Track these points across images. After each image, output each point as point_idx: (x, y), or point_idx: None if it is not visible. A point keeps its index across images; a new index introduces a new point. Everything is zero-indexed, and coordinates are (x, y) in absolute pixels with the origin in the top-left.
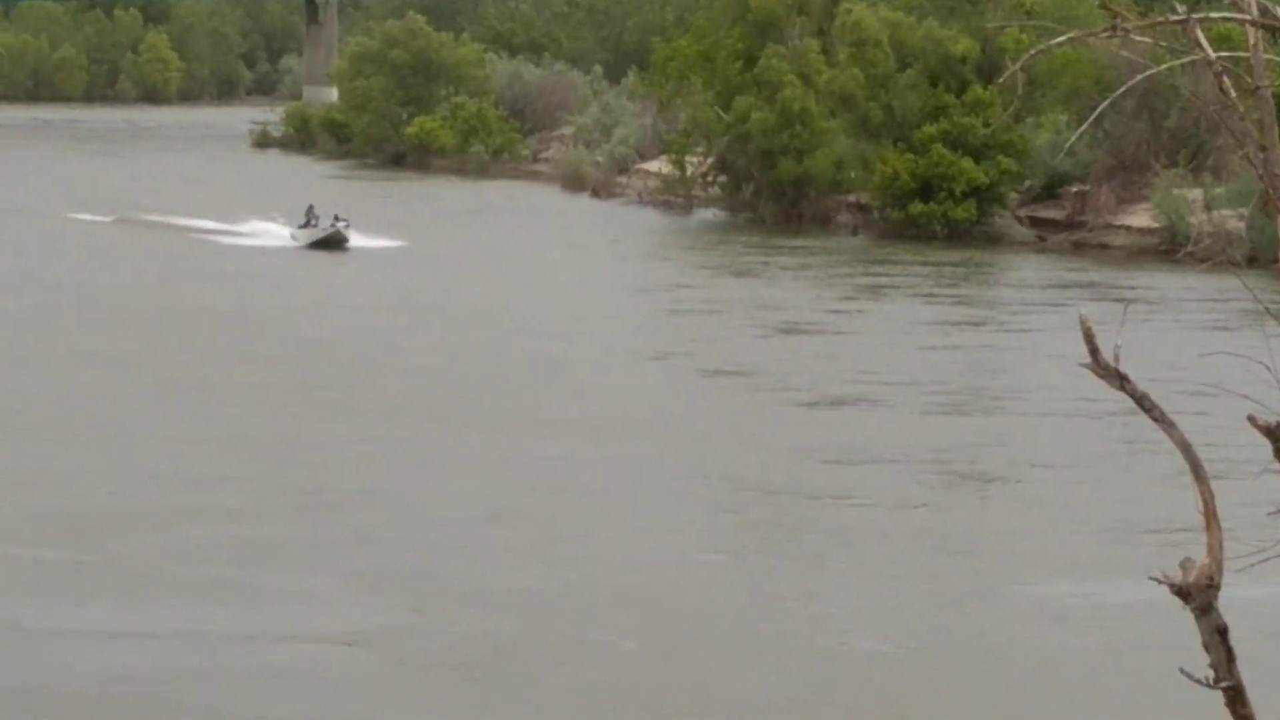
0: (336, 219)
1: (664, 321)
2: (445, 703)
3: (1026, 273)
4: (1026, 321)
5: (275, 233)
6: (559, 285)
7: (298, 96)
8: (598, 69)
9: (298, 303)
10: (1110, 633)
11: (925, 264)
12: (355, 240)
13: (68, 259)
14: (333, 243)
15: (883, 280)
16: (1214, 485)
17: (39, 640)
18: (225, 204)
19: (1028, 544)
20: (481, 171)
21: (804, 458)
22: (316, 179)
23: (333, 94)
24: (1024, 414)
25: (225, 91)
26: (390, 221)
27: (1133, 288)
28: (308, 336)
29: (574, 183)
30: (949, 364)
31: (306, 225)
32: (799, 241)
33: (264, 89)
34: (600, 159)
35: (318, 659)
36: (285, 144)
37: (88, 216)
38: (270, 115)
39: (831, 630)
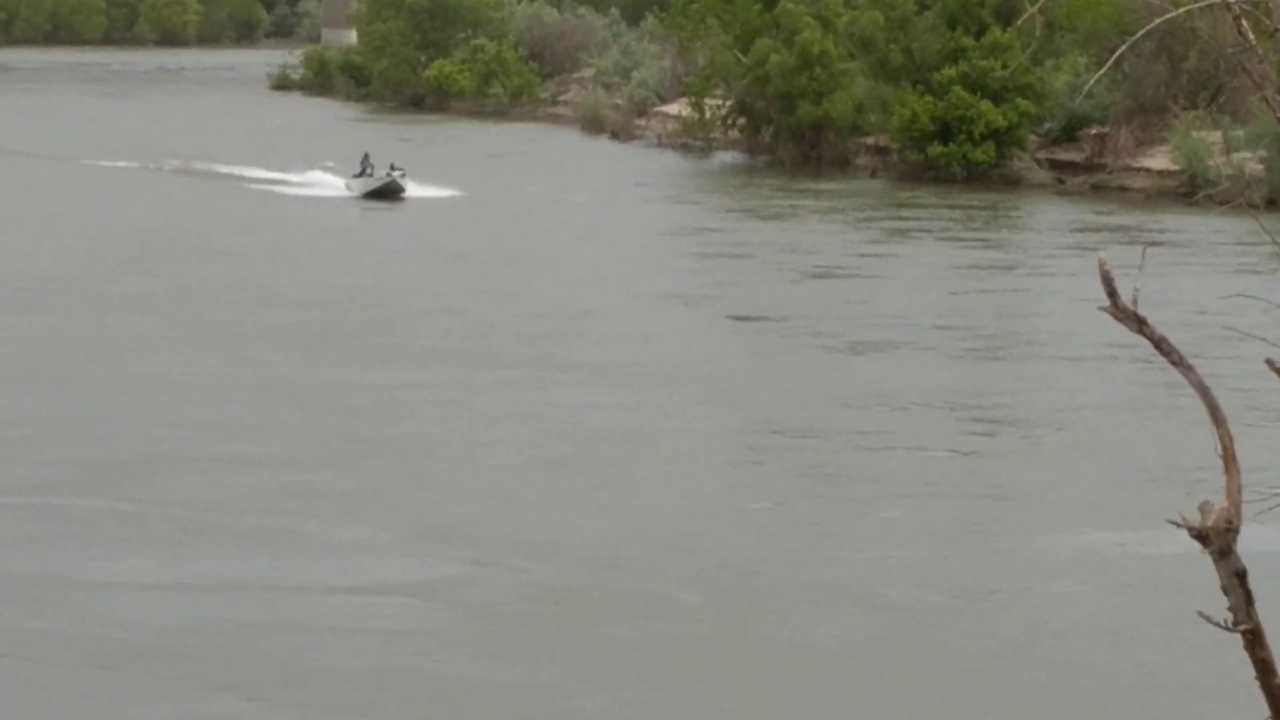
0: (393, 168)
1: (695, 265)
2: (513, 655)
3: (1048, 215)
4: (1053, 265)
5: (329, 182)
6: (591, 229)
7: (316, 40)
8: (616, 11)
9: (344, 252)
10: (1148, 579)
11: (950, 206)
12: (411, 190)
13: (122, 206)
14: (389, 193)
15: (909, 224)
16: (1233, 428)
17: (95, 592)
18: (263, 150)
19: (1067, 491)
20: (500, 114)
21: (839, 403)
22: (337, 121)
23: (351, 37)
24: (1054, 358)
25: (244, 34)
26: (440, 169)
27: (1153, 230)
28: (347, 284)
29: (593, 125)
30: (978, 308)
31: (361, 174)
32: (819, 184)
33: (283, 32)
34: (619, 102)
35: (379, 610)
36: (304, 87)
37: (133, 164)
38: (289, 58)
39: (885, 581)
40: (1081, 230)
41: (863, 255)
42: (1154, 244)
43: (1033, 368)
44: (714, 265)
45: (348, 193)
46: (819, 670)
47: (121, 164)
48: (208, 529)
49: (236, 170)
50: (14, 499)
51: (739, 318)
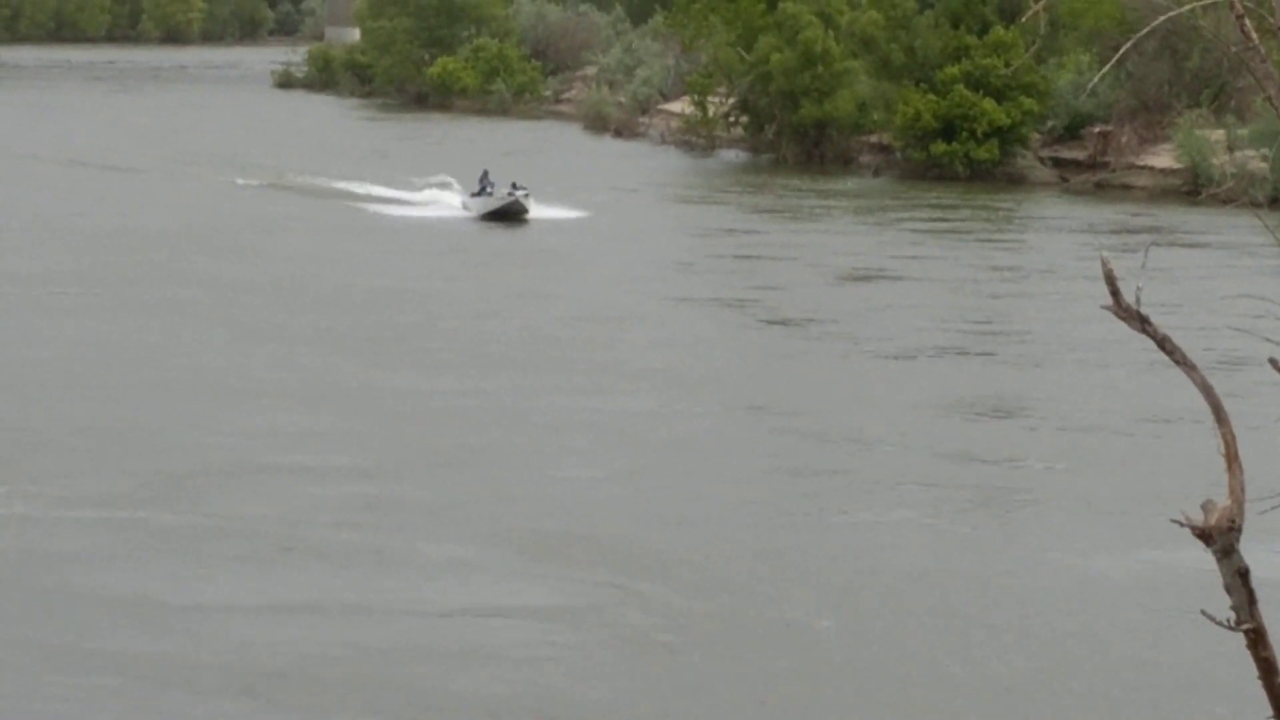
0: (514, 187)
1: (714, 267)
2: (658, 683)
3: (1051, 214)
4: (1056, 264)
5: (446, 201)
6: (620, 233)
7: (320, 37)
8: (619, 9)
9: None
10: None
11: (954, 205)
12: (534, 210)
13: (255, 230)
14: (511, 214)
15: (913, 223)
16: (1235, 428)
17: (211, 615)
18: (359, 161)
19: (1076, 492)
20: (503, 112)
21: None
22: (344, 119)
23: (355, 34)
24: (1056, 357)
25: (247, 32)
26: (559, 188)
27: (1156, 229)
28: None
29: (596, 123)
30: (983, 307)
31: (481, 193)
32: (823, 183)
33: (286, 29)
34: (623, 99)
35: (509, 634)
36: (307, 85)
37: (240, 180)
38: (292, 56)
39: (1016, 608)
40: (1085, 229)
41: (894, 257)
42: (1157, 243)
43: (1034, 366)
44: (731, 266)
45: (465, 213)
46: (959, 692)
47: (239, 180)
48: (299, 546)
49: (344, 185)
50: (90, 513)
51: (775, 321)
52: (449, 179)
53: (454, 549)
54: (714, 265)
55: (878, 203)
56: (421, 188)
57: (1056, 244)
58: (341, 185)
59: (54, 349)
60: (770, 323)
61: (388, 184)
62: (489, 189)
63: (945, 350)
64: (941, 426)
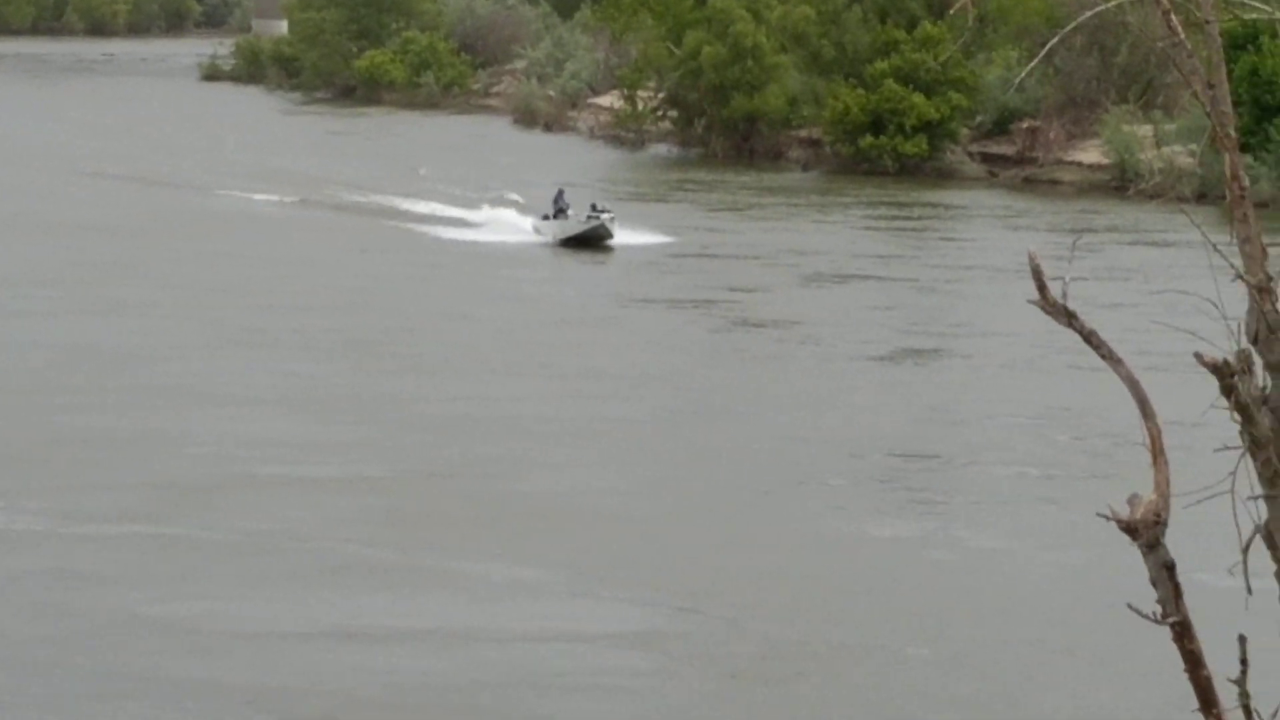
0: (594, 208)
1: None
2: (754, 710)
3: (979, 208)
4: (982, 258)
5: (514, 223)
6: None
7: (247, 30)
8: (548, 4)
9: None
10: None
11: (882, 201)
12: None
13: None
14: (594, 239)
15: (840, 216)
16: (1161, 422)
17: (268, 640)
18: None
19: (1002, 490)
20: (432, 105)
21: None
22: (271, 112)
23: (282, 27)
24: (983, 353)
25: (174, 24)
26: (504, 184)
27: (1084, 224)
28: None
29: (526, 117)
30: (911, 301)
31: (557, 215)
32: (752, 178)
33: (213, 22)
34: (552, 93)
35: (589, 661)
36: (234, 77)
37: (278, 196)
38: (219, 48)
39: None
40: (1013, 224)
41: (818, 251)
42: (1085, 239)
43: (963, 360)
44: (667, 265)
45: (538, 237)
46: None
47: (265, 196)
48: (338, 565)
49: (391, 203)
50: (106, 529)
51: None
52: (513, 195)
53: (503, 569)
54: (646, 263)
55: (807, 199)
56: (479, 205)
57: (985, 239)
58: (393, 202)
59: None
60: (710, 320)
61: (450, 202)
62: (566, 210)
63: (874, 345)
64: (869, 424)
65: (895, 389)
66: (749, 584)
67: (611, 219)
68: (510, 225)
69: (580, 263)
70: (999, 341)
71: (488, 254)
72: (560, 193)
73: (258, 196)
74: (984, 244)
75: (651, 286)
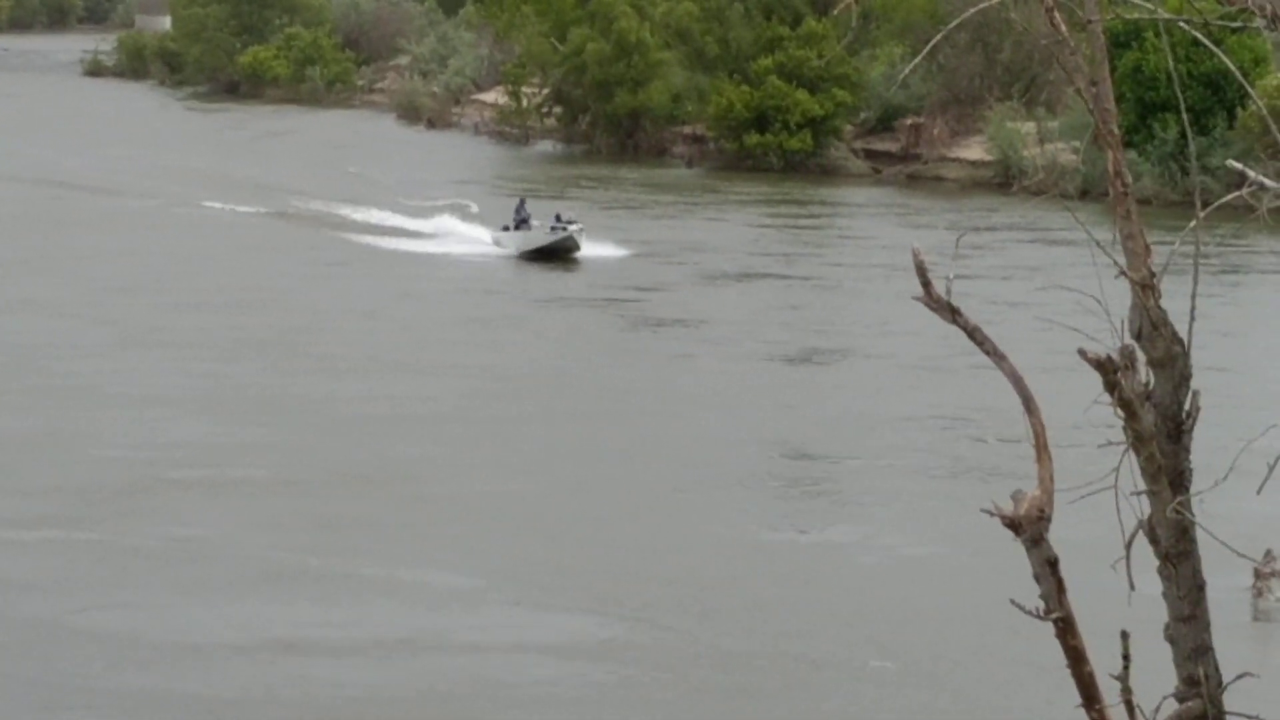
0: (559, 219)
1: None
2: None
3: (862, 205)
4: (865, 255)
5: (468, 234)
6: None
7: (130, 25)
8: (433, 0)
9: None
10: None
11: (765, 198)
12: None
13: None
14: (560, 251)
15: (723, 213)
16: (1045, 418)
17: (219, 653)
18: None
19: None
20: (316, 101)
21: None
22: (154, 108)
23: (165, 23)
24: (866, 350)
25: (56, 20)
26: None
27: (967, 221)
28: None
29: (409, 113)
30: (792, 299)
31: (519, 226)
32: (636, 174)
33: (96, 17)
34: (436, 89)
35: (555, 672)
36: (117, 73)
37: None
38: (102, 44)
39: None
40: (897, 221)
41: (703, 249)
42: (968, 233)
43: (863, 362)
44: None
45: (498, 249)
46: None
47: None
48: (273, 572)
49: (328, 209)
50: (24, 534)
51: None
52: (468, 204)
53: (442, 577)
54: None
55: (698, 195)
56: (430, 214)
57: (879, 236)
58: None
59: None
60: (617, 320)
61: (392, 209)
62: (527, 220)
63: (778, 345)
64: (779, 424)
65: (801, 388)
66: (677, 589)
67: (580, 230)
68: (465, 236)
69: (525, 272)
70: (901, 341)
71: (442, 267)
72: (522, 202)
73: (151, 201)
74: (878, 241)
75: (556, 285)
